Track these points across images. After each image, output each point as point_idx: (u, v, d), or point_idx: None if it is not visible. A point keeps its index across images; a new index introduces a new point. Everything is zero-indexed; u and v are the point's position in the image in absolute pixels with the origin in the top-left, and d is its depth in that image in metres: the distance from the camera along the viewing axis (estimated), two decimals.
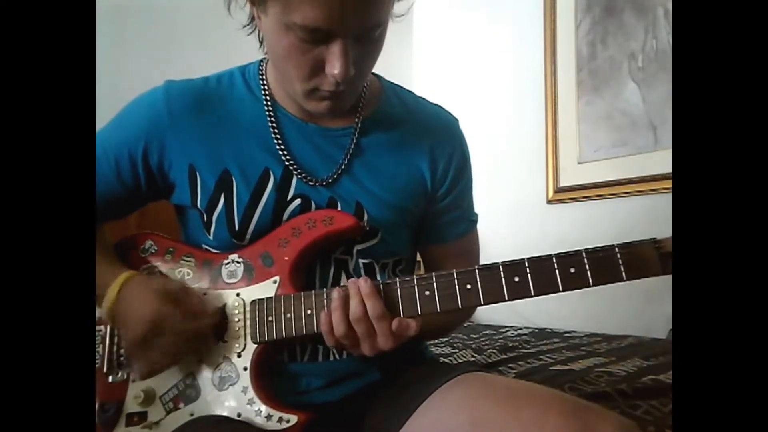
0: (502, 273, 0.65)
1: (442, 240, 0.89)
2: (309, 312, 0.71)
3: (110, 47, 1.76)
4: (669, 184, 1.79)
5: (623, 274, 0.63)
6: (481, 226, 0.95)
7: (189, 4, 2.04)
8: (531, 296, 0.65)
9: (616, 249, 0.63)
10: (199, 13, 2.04)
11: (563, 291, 0.64)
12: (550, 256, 0.65)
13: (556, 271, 0.64)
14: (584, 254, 0.64)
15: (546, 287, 0.64)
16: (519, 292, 0.65)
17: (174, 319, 0.69)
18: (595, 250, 0.64)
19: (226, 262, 0.77)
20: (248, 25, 0.77)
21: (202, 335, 0.72)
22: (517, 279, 0.65)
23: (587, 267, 0.63)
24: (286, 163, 0.78)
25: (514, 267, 0.65)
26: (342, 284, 0.77)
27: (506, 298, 0.66)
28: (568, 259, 0.64)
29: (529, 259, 0.65)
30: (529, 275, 0.64)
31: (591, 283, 0.64)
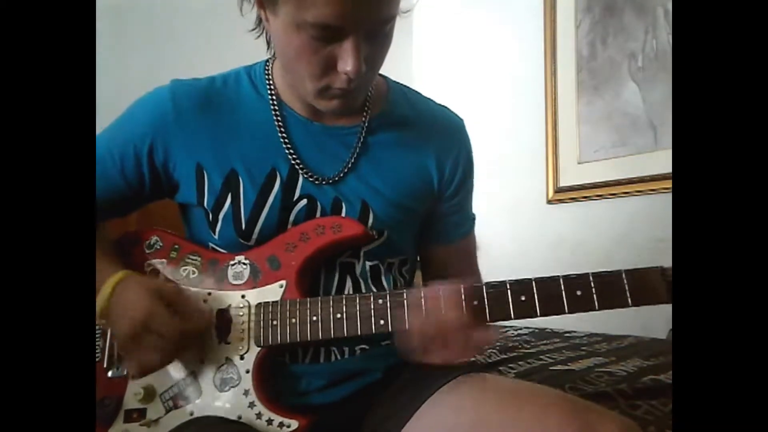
0: (509, 292, 0.66)
1: (447, 241, 0.89)
2: (315, 318, 0.71)
3: (111, 47, 1.76)
4: (669, 184, 1.79)
5: (629, 299, 0.64)
6: (481, 226, 0.95)
7: (190, 4, 2.05)
8: (537, 316, 0.66)
9: (623, 274, 0.64)
10: (200, 12, 2.04)
11: (569, 313, 0.65)
12: (557, 278, 0.65)
13: (563, 293, 0.65)
14: (591, 278, 0.64)
15: (552, 308, 0.65)
16: (525, 312, 0.66)
17: (164, 319, 0.68)
18: (602, 274, 0.64)
19: (232, 263, 0.77)
20: (255, 28, 0.77)
21: (195, 338, 0.72)
22: (523, 298, 0.65)
23: (594, 291, 0.64)
24: (292, 162, 0.77)
25: (521, 286, 0.66)
26: (347, 289, 0.77)
27: (512, 316, 0.66)
28: (576, 281, 0.65)
29: (536, 279, 0.66)
30: (535, 296, 0.65)
31: (597, 307, 0.64)
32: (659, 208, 1.79)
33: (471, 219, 0.93)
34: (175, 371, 0.74)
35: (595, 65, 2.07)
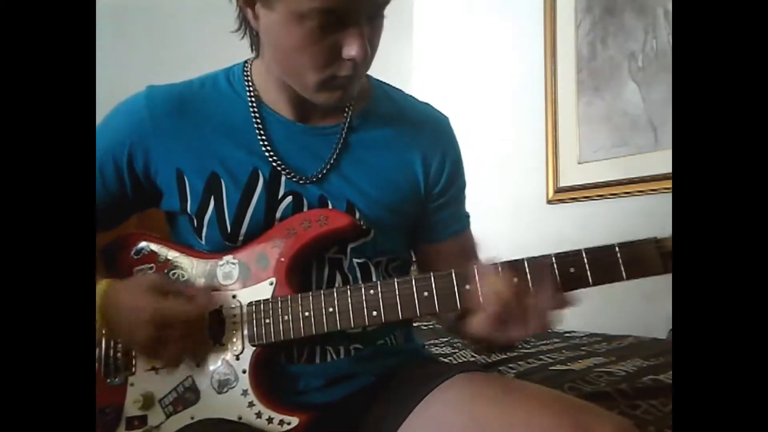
0: (500, 273, 0.65)
1: (438, 239, 0.88)
2: (307, 314, 0.70)
3: (111, 47, 1.76)
4: (669, 184, 1.78)
5: (623, 273, 0.62)
6: (481, 226, 0.94)
7: (190, 4, 2.04)
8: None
9: (616, 248, 0.63)
10: (200, 12, 2.04)
11: (563, 291, 0.63)
12: (549, 256, 0.64)
13: (556, 270, 0.63)
14: (584, 253, 0.63)
15: (543, 288, 0.63)
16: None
17: (171, 309, 0.68)
18: (595, 249, 0.63)
19: (221, 263, 0.76)
20: (238, 30, 0.76)
21: (205, 314, 0.72)
22: (516, 279, 0.64)
23: (587, 266, 0.63)
24: (273, 164, 0.77)
25: (513, 267, 0.65)
26: (337, 284, 0.76)
27: None
28: (568, 258, 0.64)
29: (528, 258, 0.65)
30: (528, 275, 0.64)
31: (591, 283, 0.63)
32: (659, 208, 1.79)
33: (464, 216, 0.91)
34: (172, 376, 0.74)
35: (595, 65, 2.07)
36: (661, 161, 1.83)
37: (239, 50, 0.85)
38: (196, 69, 0.85)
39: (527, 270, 0.64)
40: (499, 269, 0.64)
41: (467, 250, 0.90)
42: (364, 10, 0.65)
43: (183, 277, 0.77)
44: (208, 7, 2.05)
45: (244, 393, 0.71)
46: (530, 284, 0.63)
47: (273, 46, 0.73)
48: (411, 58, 2.80)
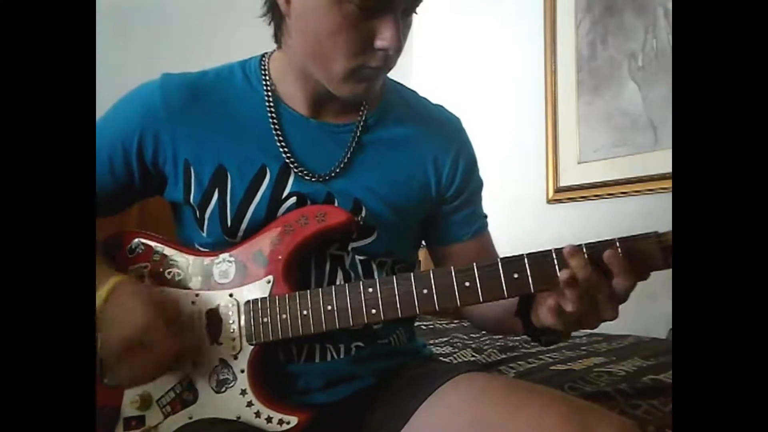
0: (500, 269, 0.65)
1: (454, 240, 0.87)
2: (305, 312, 0.70)
3: (111, 47, 1.76)
4: (669, 184, 1.79)
5: None
6: None
7: (190, 4, 2.05)
8: (530, 291, 0.65)
9: (617, 243, 0.62)
10: (201, 12, 2.04)
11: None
12: (549, 251, 0.64)
13: (556, 266, 0.63)
14: (584, 249, 0.63)
15: (546, 283, 0.64)
16: (518, 289, 0.64)
17: (160, 335, 0.66)
18: (595, 244, 0.63)
19: (217, 261, 0.75)
20: (265, 15, 0.76)
21: (182, 359, 0.70)
22: (516, 276, 0.64)
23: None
24: (285, 159, 0.76)
25: (513, 263, 0.65)
26: (338, 282, 0.76)
27: (505, 295, 0.65)
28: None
29: (528, 254, 0.64)
30: (528, 271, 0.64)
31: None
32: (659, 208, 1.80)
33: (482, 217, 0.90)
34: (169, 376, 0.73)
35: (595, 65, 2.07)
36: (661, 161, 1.83)
37: (239, 50, 0.85)
38: (197, 65, 0.85)
39: (615, 250, 0.62)
40: (584, 250, 0.63)
41: (486, 252, 0.88)
42: (402, 1, 0.67)
43: (179, 275, 0.76)
44: (209, 6, 2.07)
45: (243, 392, 0.71)
46: (614, 266, 0.61)
47: (305, 31, 0.71)
48: (411, 58, 2.80)
